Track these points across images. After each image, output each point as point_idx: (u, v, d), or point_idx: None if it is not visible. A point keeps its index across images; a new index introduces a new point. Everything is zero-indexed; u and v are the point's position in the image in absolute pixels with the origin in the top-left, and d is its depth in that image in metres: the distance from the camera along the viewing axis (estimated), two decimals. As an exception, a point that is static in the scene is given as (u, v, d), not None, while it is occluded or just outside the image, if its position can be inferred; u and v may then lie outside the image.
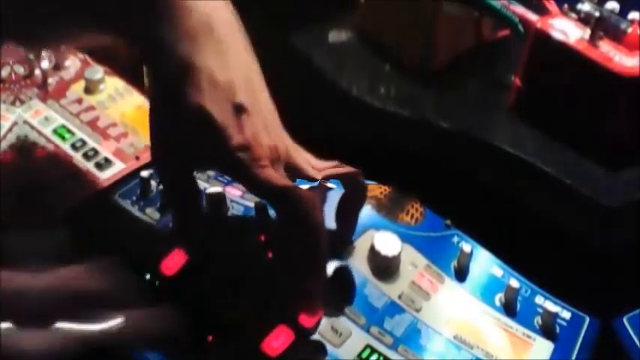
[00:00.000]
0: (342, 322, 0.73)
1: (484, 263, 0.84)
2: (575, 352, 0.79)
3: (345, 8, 1.11)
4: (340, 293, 0.74)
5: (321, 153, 0.76)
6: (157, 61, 0.67)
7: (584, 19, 0.96)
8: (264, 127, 0.68)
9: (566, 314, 0.82)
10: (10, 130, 0.88)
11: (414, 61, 1.06)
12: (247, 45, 0.71)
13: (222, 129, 0.65)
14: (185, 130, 0.66)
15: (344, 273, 0.74)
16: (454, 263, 0.82)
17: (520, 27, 1.01)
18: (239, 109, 0.66)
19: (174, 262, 0.69)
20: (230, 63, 0.67)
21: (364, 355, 0.71)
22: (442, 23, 1.03)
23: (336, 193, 0.79)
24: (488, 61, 1.10)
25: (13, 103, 0.92)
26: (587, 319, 0.82)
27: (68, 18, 0.71)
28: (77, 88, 0.95)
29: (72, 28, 0.75)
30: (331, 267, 0.72)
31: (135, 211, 0.80)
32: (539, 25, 0.97)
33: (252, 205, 0.78)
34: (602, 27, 0.94)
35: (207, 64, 0.65)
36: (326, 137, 0.85)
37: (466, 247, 0.82)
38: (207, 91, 0.65)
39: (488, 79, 1.08)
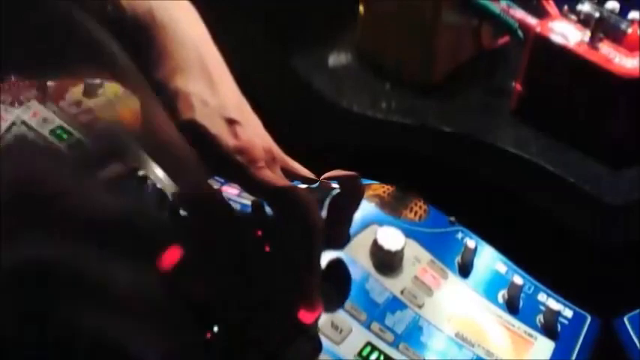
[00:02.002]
0: (343, 318, 0.67)
1: (488, 259, 0.79)
2: (576, 352, 0.74)
3: (344, 29, 1.05)
4: (336, 286, 0.69)
5: (322, 163, 0.73)
6: (151, 95, 0.67)
7: (584, 21, 0.91)
8: (257, 135, 0.67)
9: (568, 312, 0.77)
10: (7, 130, 0.82)
11: (415, 75, 1.00)
12: (232, 78, 0.70)
13: (217, 136, 0.64)
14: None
15: (338, 265, 0.70)
16: (458, 259, 0.77)
17: (519, 32, 0.96)
18: (231, 122, 0.65)
19: (171, 257, 0.64)
20: (220, 91, 0.67)
21: (364, 353, 0.65)
22: (441, 35, 0.97)
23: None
24: (489, 70, 1.04)
25: (11, 104, 0.85)
26: (589, 318, 0.77)
27: (69, 60, 0.71)
28: (76, 92, 0.88)
29: (72, 68, 0.76)
30: (325, 260, 0.67)
31: None
32: (538, 29, 0.91)
33: (248, 203, 0.73)
34: (602, 28, 0.89)
35: (198, 90, 0.65)
36: (327, 149, 0.81)
37: (470, 242, 0.77)
38: (198, 109, 0.64)
39: (489, 86, 1.02)
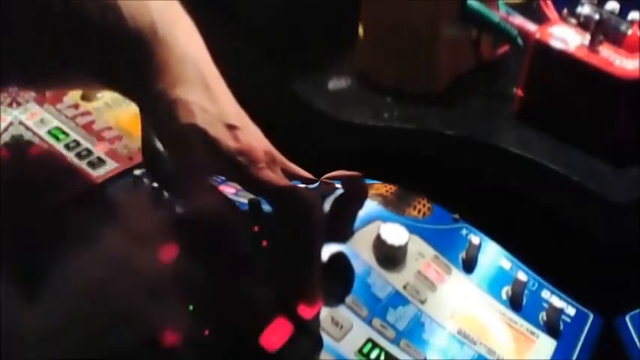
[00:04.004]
0: (344, 313, 0.59)
1: (492, 255, 0.71)
2: (577, 351, 0.66)
3: (344, 55, 0.98)
4: (338, 281, 0.62)
5: (325, 168, 0.68)
6: (151, 104, 0.62)
7: (584, 24, 0.84)
8: (257, 139, 0.64)
9: (571, 310, 0.70)
10: (5, 130, 0.78)
11: (415, 89, 0.92)
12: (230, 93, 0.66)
13: (218, 139, 0.60)
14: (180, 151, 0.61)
15: (341, 260, 0.62)
16: (462, 255, 0.69)
17: (519, 40, 0.89)
18: (231, 127, 0.61)
19: (167, 253, 0.58)
20: (219, 100, 0.62)
21: (365, 350, 0.58)
22: (441, 51, 0.90)
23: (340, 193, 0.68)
24: (489, 78, 0.97)
25: (10, 105, 0.82)
26: (591, 317, 0.70)
27: (70, 71, 0.66)
28: (74, 95, 0.85)
29: (73, 78, 0.70)
30: (327, 253, 0.60)
31: None
32: (538, 35, 0.85)
33: (245, 201, 0.66)
34: (602, 30, 0.82)
35: (198, 99, 0.61)
36: (329, 157, 0.74)
37: (475, 239, 0.69)
38: (198, 115, 0.60)
39: (489, 93, 0.95)
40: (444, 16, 0.88)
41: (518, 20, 0.90)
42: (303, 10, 0.96)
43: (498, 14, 0.90)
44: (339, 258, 0.62)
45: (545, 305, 0.68)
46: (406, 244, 0.64)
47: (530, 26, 0.88)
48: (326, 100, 0.92)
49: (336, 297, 0.60)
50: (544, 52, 0.84)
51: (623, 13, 0.83)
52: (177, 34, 0.62)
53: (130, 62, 0.61)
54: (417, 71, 0.92)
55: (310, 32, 0.96)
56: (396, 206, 0.71)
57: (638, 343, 0.67)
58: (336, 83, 0.96)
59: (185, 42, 0.63)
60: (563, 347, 0.66)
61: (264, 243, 0.61)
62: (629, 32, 0.82)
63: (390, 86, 0.93)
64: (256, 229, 0.62)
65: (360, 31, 0.93)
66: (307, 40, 0.97)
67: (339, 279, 0.62)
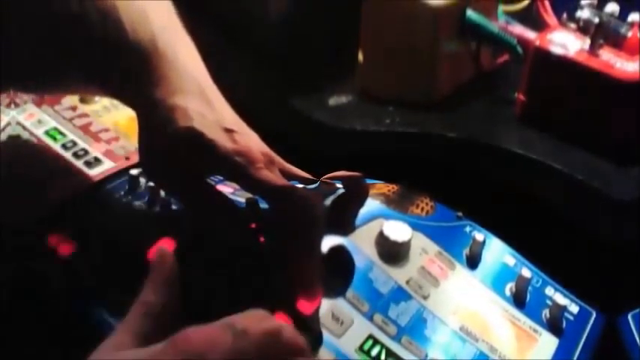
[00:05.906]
0: (344, 309, 0.54)
1: (497, 252, 0.66)
2: (579, 350, 0.61)
3: (345, 75, 0.91)
4: (339, 273, 0.57)
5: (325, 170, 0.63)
6: (149, 110, 0.58)
7: (584, 28, 0.78)
8: (254, 142, 0.60)
9: (574, 308, 0.64)
10: (2, 130, 0.74)
11: (416, 101, 0.86)
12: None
13: (215, 141, 0.56)
14: (178, 152, 0.57)
15: (342, 252, 0.57)
16: (466, 251, 0.64)
17: (518, 48, 0.83)
18: (229, 130, 0.58)
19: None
20: (217, 108, 0.59)
21: (366, 347, 0.53)
22: (442, 65, 0.84)
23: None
24: (489, 86, 0.90)
25: (8, 106, 0.77)
26: (594, 315, 0.65)
27: (71, 77, 0.63)
28: (72, 97, 0.80)
29: (73, 84, 0.67)
30: (326, 246, 0.55)
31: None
32: (537, 42, 0.79)
33: (243, 200, 0.62)
34: (601, 34, 0.76)
35: (196, 105, 0.58)
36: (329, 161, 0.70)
37: (479, 235, 0.64)
38: (196, 120, 0.57)
39: (490, 100, 0.88)
40: (444, 34, 0.82)
41: (518, 29, 0.85)
42: (304, 30, 0.91)
43: (497, 24, 0.85)
44: (339, 250, 0.57)
45: (549, 302, 0.63)
46: (409, 240, 0.59)
47: (530, 34, 0.84)
48: (327, 113, 0.87)
49: (337, 290, 0.55)
50: (544, 58, 0.78)
51: (623, 14, 0.78)
52: (177, 51, 0.59)
53: (130, 73, 0.58)
54: (417, 87, 0.86)
55: (311, 52, 0.91)
56: (398, 205, 0.66)
57: (639, 342, 0.62)
58: (337, 99, 0.90)
59: (184, 58, 0.60)
60: (565, 346, 0.61)
61: (262, 240, 0.56)
62: (629, 34, 0.76)
63: (391, 96, 0.87)
64: (254, 226, 0.58)
65: (360, 56, 0.87)
66: (308, 60, 0.91)
67: (339, 271, 0.57)
